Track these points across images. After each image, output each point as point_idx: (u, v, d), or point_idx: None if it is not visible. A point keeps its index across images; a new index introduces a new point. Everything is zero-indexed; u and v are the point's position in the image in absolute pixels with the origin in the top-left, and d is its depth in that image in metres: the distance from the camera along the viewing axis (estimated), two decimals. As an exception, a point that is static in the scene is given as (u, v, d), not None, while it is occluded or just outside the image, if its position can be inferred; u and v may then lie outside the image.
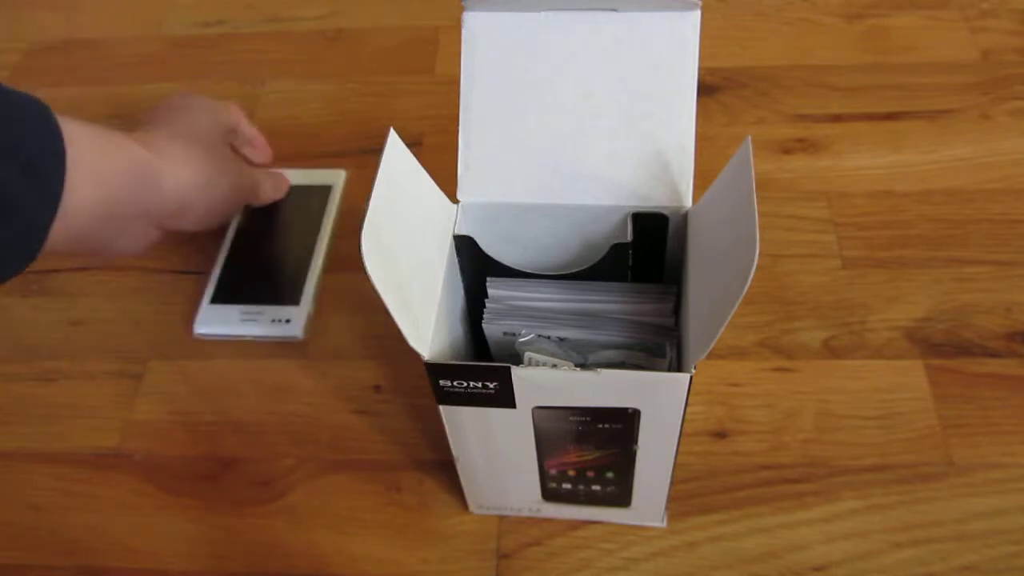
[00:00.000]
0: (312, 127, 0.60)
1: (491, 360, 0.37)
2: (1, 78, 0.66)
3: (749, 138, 0.29)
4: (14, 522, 0.43)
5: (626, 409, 0.32)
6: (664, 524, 0.41)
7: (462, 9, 0.33)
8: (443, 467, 0.43)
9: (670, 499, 0.38)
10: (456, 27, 0.34)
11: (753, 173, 0.28)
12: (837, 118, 0.57)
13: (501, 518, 0.41)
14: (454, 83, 0.34)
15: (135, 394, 0.47)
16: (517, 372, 0.30)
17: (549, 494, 0.39)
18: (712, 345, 0.26)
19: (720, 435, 0.43)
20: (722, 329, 0.26)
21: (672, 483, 0.37)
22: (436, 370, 0.31)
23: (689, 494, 0.41)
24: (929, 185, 0.53)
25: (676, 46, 0.33)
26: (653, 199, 0.34)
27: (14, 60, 0.67)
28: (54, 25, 0.70)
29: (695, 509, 0.41)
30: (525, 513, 0.41)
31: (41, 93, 0.65)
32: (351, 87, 0.62)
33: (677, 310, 0.35)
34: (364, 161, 0.57)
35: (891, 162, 0.54)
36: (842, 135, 0.56)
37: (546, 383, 0.31)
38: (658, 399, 0.31)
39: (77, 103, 0.63)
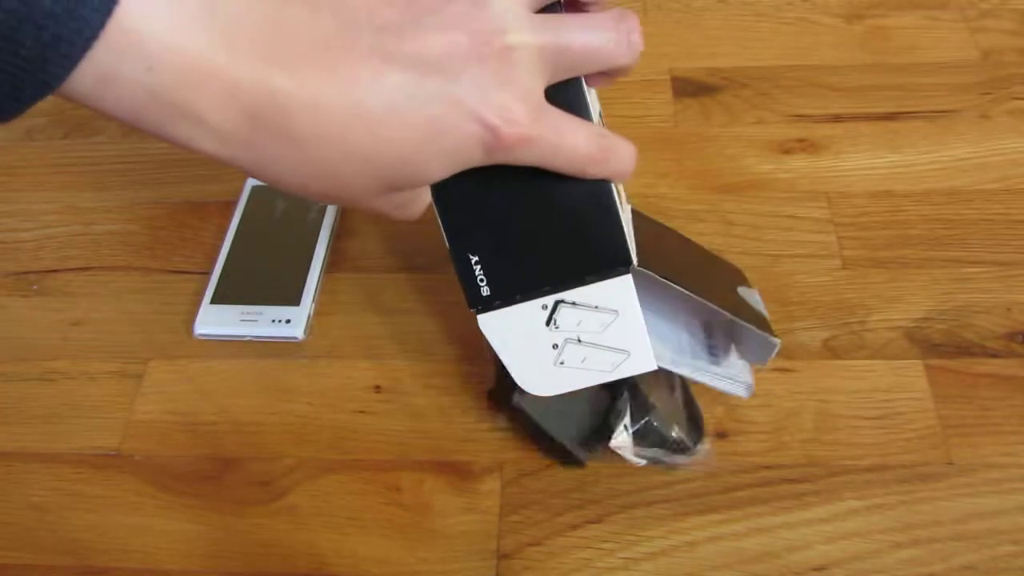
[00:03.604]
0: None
1: None
2: (1, 78, 0.66)
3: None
4: (14, 522, 0.43)
5: None
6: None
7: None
8: (443, 467, 0.43)
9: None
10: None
11: None
12: (837, 118, 0.57)
13: (501, 518, 0.41)
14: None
15: (135, 394, 0.47)
16: None
17: None
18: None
19: (720, 435, 0.43)
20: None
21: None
22: None
23: (689, 494, 0.41)
24: (929, 185, 0.53)
25: None
26: None
27: (14, 60, 0.67)
28: (54, 25, 0.69)
29: (695, 509, 0.41)
30: None
31: (41, 93, 0.64)
32: (351, 87, 0.62)
33: None
34: (364, 161, 0.57)
35: (891, 162, 0.54)
36: (842, 135, 0.56)
37: None
38: None
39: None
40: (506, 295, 0.35)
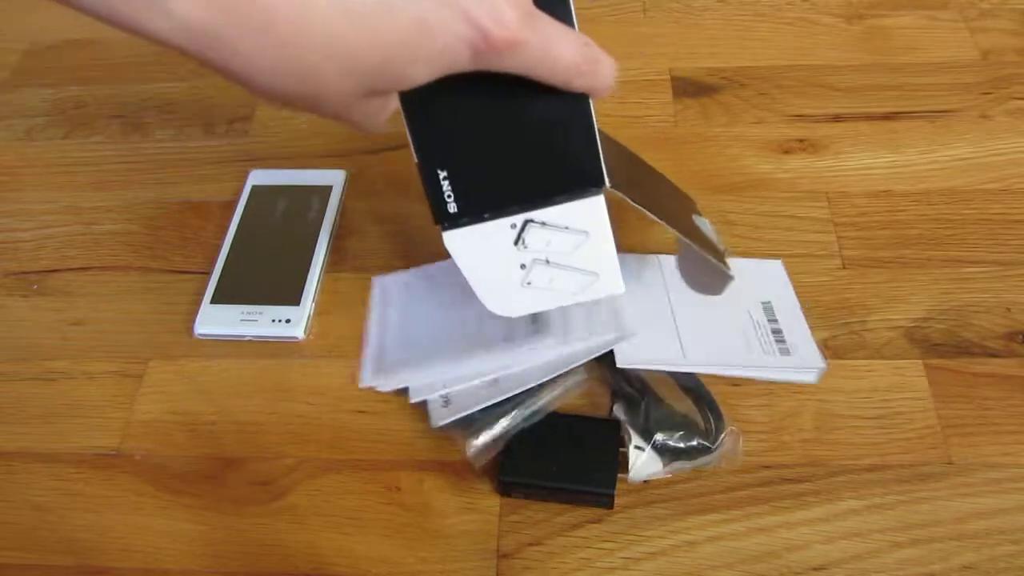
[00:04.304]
0: (312, 127, 0.60)
1: None
2: (1, 78, 0.66)
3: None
4: (14, 522, 0.43)
5: None
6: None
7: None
8: (443, 467, 0.43)
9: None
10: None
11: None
12: (837, 118, 0.57)
13: (501, 518, 0.41)
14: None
15: (135, 394, 0.47)
16: None
17: None
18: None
19: (720, 435, 0.43)
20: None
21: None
22: None
23: (689, 494, 0.41)
24: (928, 185, 0.53)
25: None
26: None
27: (14, 60, 0.67)
28: (54, 25, 0.70)
29: (695, 509, 0.41)
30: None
31: (41, 93, 0.66)
32: (351, 87, 0.62)
33: None
34: (364, 161, 0.57)
35: (891, 162, 0.54)
36: (842, 135, 0.56)
37: None
38: None
39: (77, 103, 0.63)
40: (474, 212, 0.34)
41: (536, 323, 0.44)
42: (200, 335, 0.49)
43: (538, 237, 0.35)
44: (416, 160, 0.34)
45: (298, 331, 0.48)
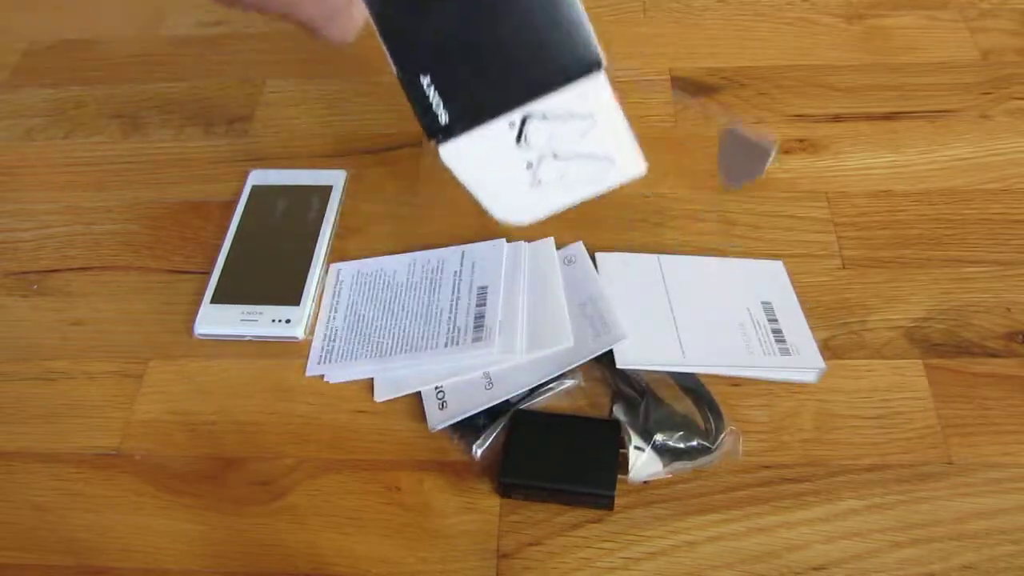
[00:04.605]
0: (312, 127, 0.60)
1: None
2: (1, 78, 0.66)
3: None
4: (14, 522, 0.43)
5: None
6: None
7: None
8: (443, 467, 0.43)
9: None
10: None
11: None
12: (837, 118, 0.57)
13: (501, 518, 0.41)
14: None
15: (135, 394, 0.47)
16: None
17: None
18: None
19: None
20: None
21: None
22: None
23: (689, 494, 0.41)
24: (928, 185, 0.53)
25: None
26: None
27: (14, 60, 0.67)
28: (54, 25, 0.70)
29: (695, 509, 0.41)
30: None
31: (41, 93, 0.66)
32: (351, 87, 0.62)
33: None
34: (364, 161, 0.57)
35: (891, 162, 0.54)
36: (842, 135, 0.56)
37: None
38: None
39: (77, 103, 0.63)
40: (467, 118, 0.32)
41: (480, 330, 0.45)
42: (200, 335, 0.49)
43: (540, 130, 0.32)
44: (395, 71, 0.31)
45: (298, 331, 0.48)
